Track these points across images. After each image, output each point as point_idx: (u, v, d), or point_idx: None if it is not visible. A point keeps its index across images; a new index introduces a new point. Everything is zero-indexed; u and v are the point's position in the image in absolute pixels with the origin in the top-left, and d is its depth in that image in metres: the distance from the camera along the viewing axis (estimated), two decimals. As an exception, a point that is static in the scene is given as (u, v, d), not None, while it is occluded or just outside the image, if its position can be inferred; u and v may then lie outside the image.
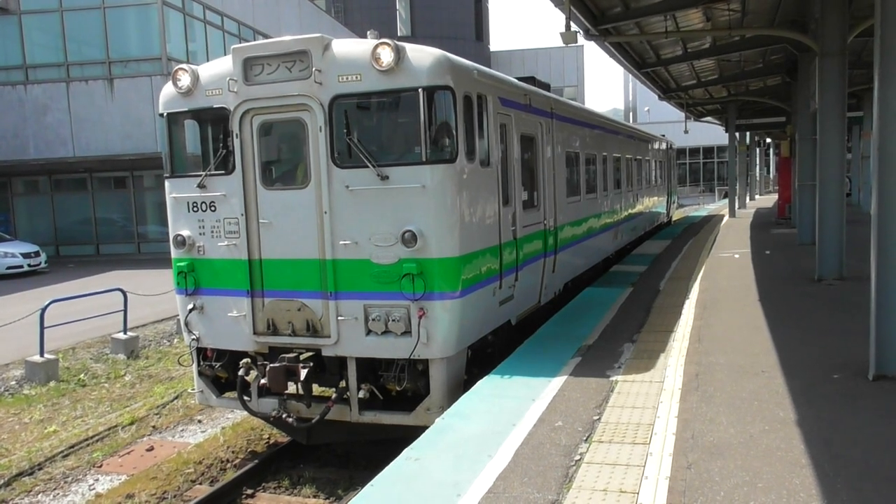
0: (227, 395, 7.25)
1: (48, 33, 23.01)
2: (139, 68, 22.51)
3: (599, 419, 5.40)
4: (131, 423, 8.64)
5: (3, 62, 23.06)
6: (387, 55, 5.98)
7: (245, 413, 7.36)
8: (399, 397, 6.52)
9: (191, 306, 6.91)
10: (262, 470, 7.20)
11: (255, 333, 6.70)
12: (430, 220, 6.11)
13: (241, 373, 6.78)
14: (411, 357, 6.22)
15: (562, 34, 11.47)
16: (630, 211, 16.30)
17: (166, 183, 7.09)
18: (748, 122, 30.84)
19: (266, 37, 24.77)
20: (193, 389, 7.59)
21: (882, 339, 5.91)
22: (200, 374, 7.20)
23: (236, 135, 6.54)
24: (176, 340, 12.41)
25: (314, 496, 6.72)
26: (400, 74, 6.03)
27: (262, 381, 6.64)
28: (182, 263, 6.91)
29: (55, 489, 7.05)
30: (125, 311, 11.83)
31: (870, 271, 6.03)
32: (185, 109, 6.84)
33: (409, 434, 5.57)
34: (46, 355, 10.46)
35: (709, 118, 36.15)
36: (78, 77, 22.48)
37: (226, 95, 6.54)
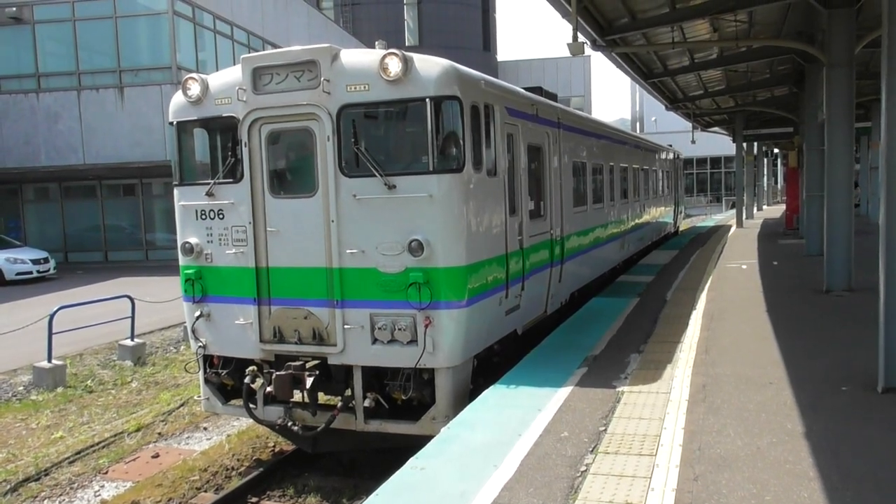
0: (232, 402, 7.26)
1: (60, 42, 23.26)
2: (149, 77, 22.70)
3: (605, 430, 5.38)
4: (137, 430, 8.66)
5: (16, 71, 23.31)
6: (395, 65, 6.01)
7: (251, 421, 7.36)
8: (405, 406, 6.50)
9: (198, 313, 6.94)
10: (267, 478, 7.21)
11: (261, 341, 6.71)
12: (436, 230, 6.12)
13: (247, 380, 6.79)
14: (417, 366, 6.21)
15: (569, 45, 11.49)
16: (637, 221, 16.27)
17: (175, 191, 7.13)
18: (756, 133, 30.78)
19: (275, 46, 24.95)
20: (199, 396, 7.61)
21: (891, 352, 5.87)
22: (207, 381, 7.22)
23: (245, 143, 6.58)
24: (183, 347, 12.45)
25: (319, 505, 6.71)
26: (408, 84, 6.06)
27: (268, 388, 6.66)
28: (190, 271, 6.95)
29: (61, 495, 7.07)
30: (132, 317, 11.89)
31: (878, 283, 6.00)
32: (195, 118, 6.89)
33: (415, 443, 5.55)
34: (54, 361, 10.51)
35: (716, 128, 36.11)
36: (89, 85, 22.69)
37: (235, 104, 6.59)
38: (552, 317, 9.32)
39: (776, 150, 46.08)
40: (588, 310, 10.30)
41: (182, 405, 9.53)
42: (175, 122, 7.00)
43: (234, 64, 6.86)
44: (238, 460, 7.67)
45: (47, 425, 8.94)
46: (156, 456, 7.91)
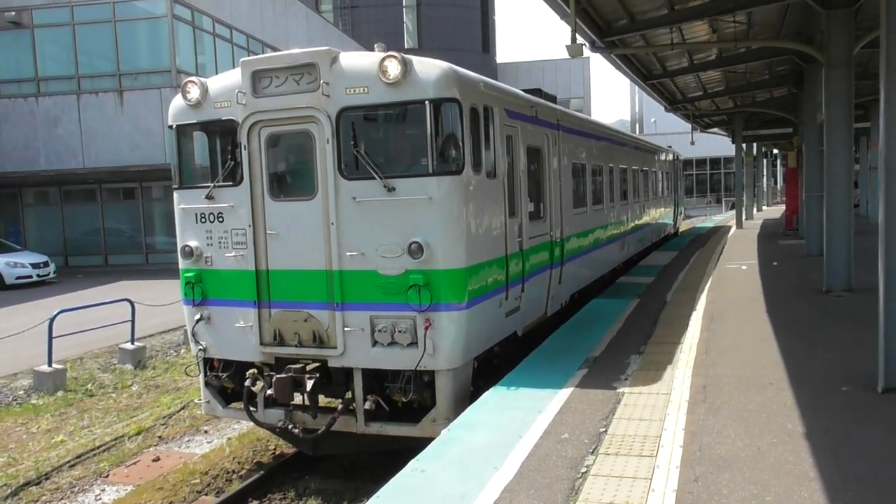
0: (233, 405, 7.26)
1: (60, 46, 23.28)
2: (149, 80, 22.72)
3: (606, 431, 5.38)
4: (138, 434, 8.66)
5: (15, 75, 23.33)
6: (394, 68, 6.03)
7: (251, 424, 7.37)
8: (405, 408, 6.51)
9: (198, 317, 6.94)
10: (267, 481, 7.20)
11: (261, 344, 6.72)
12: (436, 232, 6.12)
13: (247, 383, 6.80)
14: (417, 368, 6.21)
15: (568, 47, 11.51)
16: (637, 222, 16.28)
17: (175, 194, 7.14)
18: (755, 133, 30.81)
19: (274, 49, 24.99)
20: (200, 400, 7.61)
21: (891, 352, 5.87)
22: (207, 384, 7.22)
23: (244, 146, 6.59)
24: (183, 351, 12.45)
25: (320, 508, 6.71)
26: (407, 87, 6.07)
27: (269, 391, 6.66)
28: (190, 274, 6.95)
29: (62, 499, 7.07)
30: (133, 321, 11.88)
31: (878, 283, 6.00)
32: (194, 121, 6.90)
33: (415, 445, 5.56)
34: (54, 365, 10.51)
35: (715, 129, 36.14)
36: (88, 89, 22.71)
37: (234, 107, 6.60)
38: (552, 318, 9.32)
39: (776, 151, 46.13)
40: (588, 311, 10.31)
41: (182, 408, 9.53)
42: (174, 126, 7.01)
43: (234, 67, 6.87)
44: (239, 463, 7.67)
45: (48, 429, 8.94)
46: (156, 459, 7.91)
